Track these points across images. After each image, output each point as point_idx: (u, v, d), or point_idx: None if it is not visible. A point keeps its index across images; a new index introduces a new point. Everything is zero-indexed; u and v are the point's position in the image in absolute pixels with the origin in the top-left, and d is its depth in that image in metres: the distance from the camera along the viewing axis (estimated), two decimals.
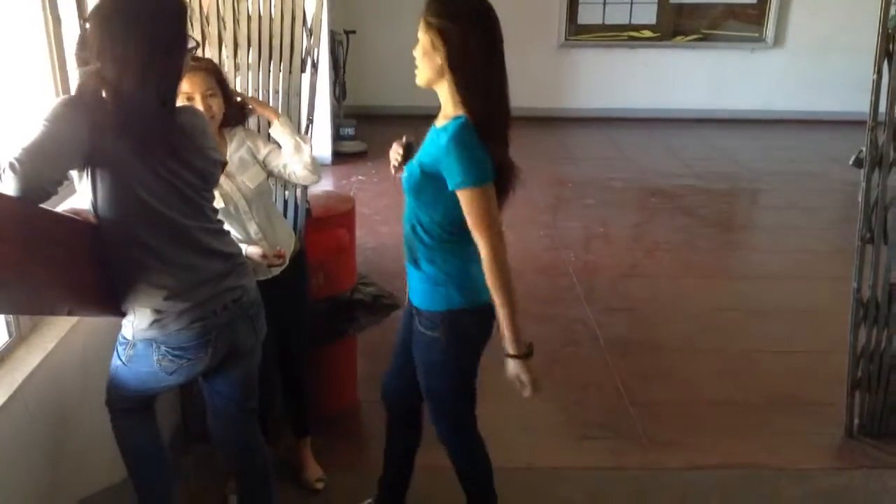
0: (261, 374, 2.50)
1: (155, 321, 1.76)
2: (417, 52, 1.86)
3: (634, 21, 8.09)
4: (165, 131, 1.72)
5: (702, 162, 6.90)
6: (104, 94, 1.63)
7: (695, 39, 8.19)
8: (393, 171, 2.06)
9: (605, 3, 8.01)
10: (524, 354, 1.90)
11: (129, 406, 1.95)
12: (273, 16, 2.69)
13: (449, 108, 1.88)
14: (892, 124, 2.62)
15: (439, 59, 1.81)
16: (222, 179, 2.23)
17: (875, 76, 2.58)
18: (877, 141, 2.66)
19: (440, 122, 1.90)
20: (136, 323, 1.77)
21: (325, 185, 5.74)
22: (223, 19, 2.67)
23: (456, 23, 1.79)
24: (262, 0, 2.68)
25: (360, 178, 6.34)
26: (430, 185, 1.87)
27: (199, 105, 2.17)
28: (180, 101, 1.96)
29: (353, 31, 7.17)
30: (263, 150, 2.38)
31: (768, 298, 4.21)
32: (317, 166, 2.42)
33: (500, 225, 1.86)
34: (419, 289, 2.00)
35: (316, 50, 2.75)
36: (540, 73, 8.11)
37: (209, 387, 2.03)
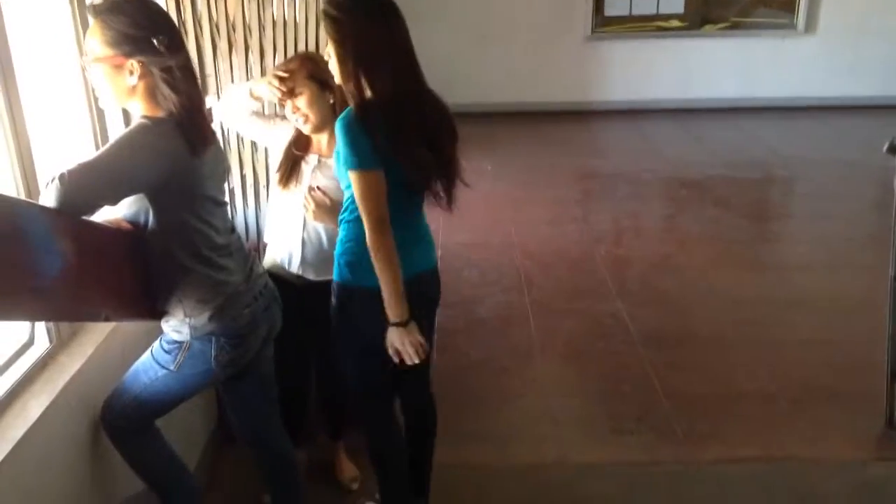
0: (297, 377, 2.56)
1: (213, 315, 1.83)
2: (328, 52, 1.94)
3: (662, 11, 8.01)
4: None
5: (733, 152, 6.82)
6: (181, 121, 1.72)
7: (724, 28, 8.08)
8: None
9: None
10: (403, 323, 1.96)
11: (139, 426, 1.95)
12: (297, 21, 2.73)
13: None
14: None
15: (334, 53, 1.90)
16: (310, 172, 2.32)
17: None
18: None
19: None
20: (192, 322, 1.83)
21: None
22: (249, 26, 2.71)
23: (341, 16, 1.87)
24: (286, 6, 2.72)
25: None
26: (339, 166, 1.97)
27: (290, 110, 2.28)
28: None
29: None
30: None
31: (802, 288, 4.15)
32: None
33: (381, 211, 1.91)
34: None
35: None
36: (567, 67, 8.08)
37: (238, 385, 2.07)
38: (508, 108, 7.90)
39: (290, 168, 2.35)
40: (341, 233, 2.06)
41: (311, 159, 2.36)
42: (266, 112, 2.59)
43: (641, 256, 4.65)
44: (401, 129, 1.91)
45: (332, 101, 2.29)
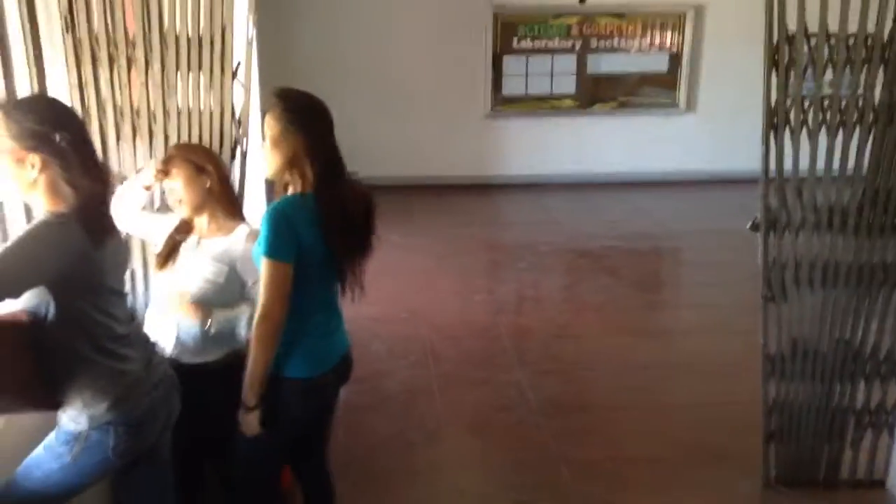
0: (193, 463, 2.54)
1: (112, 404, 1.84)
2: (266, 146, 2.08)
3: (556, 91, 8.48)
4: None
5: (623, 223, 7.21)
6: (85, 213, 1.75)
7: (612, 107, 8.62)
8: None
9: (527, 76, 8.38)
10: (254, 408, 2.09)
11: None
12: (202, 109, 2.81)
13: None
14: (782, 189, 2.88)
15: (292, 148, 2.04)
16: (188, 252, 2.43)
17: (763, 147, 2.85)
18: (770, 205, 2.90)
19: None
20: (91, 412, 1.83)
21: None
22: (153, 114, 2.77)
23: (291, 115, 2.04)
24: (190, 94, 2.80)
25: None
26: None
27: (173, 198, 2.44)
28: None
29: None
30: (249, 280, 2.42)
31: (687, 353, 4.41)
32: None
33: (279, 303, 2.02)
34: None
35: (245, 139, 2.87)
36: (468, 143, 8.40)
37: (135, 472, 2.03)
38: (413, 181, 8.11)
39: (169, 251, 2.46)
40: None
41: (191, 241, 2.47)
42: (155, 208, 2.71)
43: (541, 326, 4.84)
44: (334, 217, 2.06)
45: (207, 185, 2.42)
